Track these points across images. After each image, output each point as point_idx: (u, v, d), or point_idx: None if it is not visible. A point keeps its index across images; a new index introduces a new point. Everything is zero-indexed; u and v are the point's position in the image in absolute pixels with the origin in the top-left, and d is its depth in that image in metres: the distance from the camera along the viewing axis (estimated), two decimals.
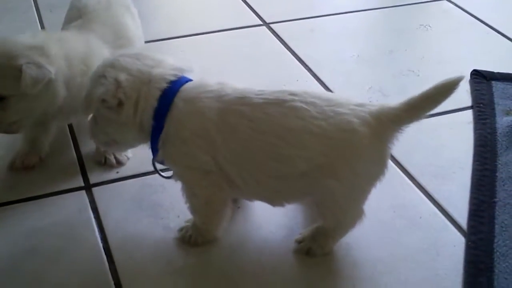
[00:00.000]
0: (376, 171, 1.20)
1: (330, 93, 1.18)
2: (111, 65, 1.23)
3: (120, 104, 1.20)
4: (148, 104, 1.21)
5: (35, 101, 1.39)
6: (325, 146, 1.14)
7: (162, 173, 1.32)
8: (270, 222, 1.36)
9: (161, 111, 1.20)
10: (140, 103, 1.21)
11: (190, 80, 1.26)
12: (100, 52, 1.50)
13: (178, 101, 1.20)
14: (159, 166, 1.31)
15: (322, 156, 1.15)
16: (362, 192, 1.22)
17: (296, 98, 1.17)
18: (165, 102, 1.20)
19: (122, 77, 1.20)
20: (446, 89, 1.15)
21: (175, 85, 1.22)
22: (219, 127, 1.18)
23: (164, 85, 1.21)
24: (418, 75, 1.90)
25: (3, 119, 1.39)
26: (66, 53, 1.44)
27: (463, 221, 1.38)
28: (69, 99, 1.44)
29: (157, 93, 1.21)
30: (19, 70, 1.34)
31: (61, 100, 1.42)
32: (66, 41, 1.48)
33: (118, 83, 1.20)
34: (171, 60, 1.27)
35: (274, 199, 1.25)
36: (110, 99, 1.20)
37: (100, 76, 1.22)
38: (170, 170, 1.30)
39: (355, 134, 1.14)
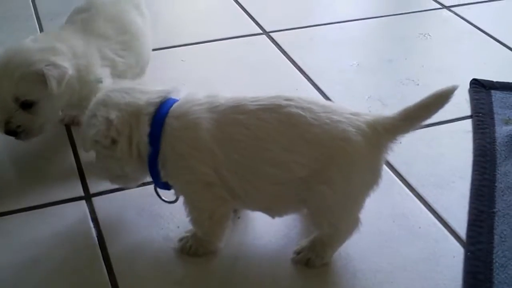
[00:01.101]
0: (369, 180, 1.21)
1: (325, 100, 1.19)
2: (102, 102, 1.25)
3: (114, 141, 1.22)
4: (142, 133, 1.22)
5: (59, 99, 1.47)
6: (319, 154, 1.15)
7: (164, 198, 1.36)
8: (269, 232, 1.36)
9: (154, 133, 1.22)
10: (133, 135, 1.23)
11: (178, 100, 1.27)
12: (100, 52, 1.57)
13: (169, 120, 1.21)
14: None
15: (317, 162, 1.15)
16: (356, 200, 1.23)
17: (291, 103, 1.18)
18: (157, 124, 1.22)
19: (113, 114, 1.22)
20: (441, 98, 1.16)
21: (164, 107, 1.23)
22: (216, 137, 1.18)
23: (152, 109, 1.23)
24: (418, 84, 1.91)
25: (35, 123, 1.46)
26: (71, 50, 1.50)
27: (462, 231, 1.38)
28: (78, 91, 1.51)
29: (147, 119, 1.22)
30: (41, 74, 1.41)
31: (76, 93, 1.51)
32: (67, 39, 1.53)
33: (109, 122, 1.21)
34: (159, 87, 1.29)
35: (273, 208, 1.26)
36: (102, 139, 1.22)
37: (92, 116, 1.24)
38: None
39: (349, 143, 1.15)
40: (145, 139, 1.22)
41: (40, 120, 1.47)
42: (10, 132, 1.46)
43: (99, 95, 1.29)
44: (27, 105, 1.44)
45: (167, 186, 1.29)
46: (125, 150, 1.23)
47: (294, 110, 1.17)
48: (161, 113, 1.23)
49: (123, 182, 1.36)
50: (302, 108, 1.17)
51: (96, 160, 1.30)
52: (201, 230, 1.28)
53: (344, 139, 1.15)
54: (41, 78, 1.41)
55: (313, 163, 1.16)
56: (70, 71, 1.45)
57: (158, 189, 1.35)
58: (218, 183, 1.20)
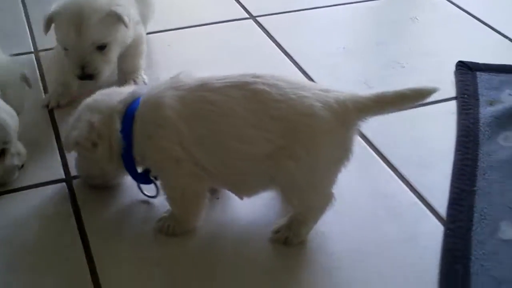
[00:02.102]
0: (337, 156, 1.21)
1: (295, 77, 1.19)
2: (88, 107, 1.31)
3: (95, 144, 1.26)
4: (115, 131, 1.25)
5: (123, 38, 1.63)
6: (284, 129, 1.16)
7: (147, 193, 1.38)
8: (248, 212, 1.36)
9: (126, 128, 1.25)
10: (112, 137, 1.26)
11: None
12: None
13: (137, 111, 1.24)
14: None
15: (282, 138, 1.16)
16: (324, 176, 1.22)
17: (258, 80, 1.19)
18: (127, 119, 1.25)
19: (95, 118, 1.27)
20: (420, 94, 1.18)
21: (135, 103, 1.26)
22: (182, 114, 1.19)
23: (122, 107, 1.27)
24: (404, 67, 1.90)
25: (107, 64, 1.61)
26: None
27: (443, 210, 1.37)
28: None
29: (118, 117, 1.26)
30: (114, 15, 1.56)
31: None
32: None
33: (91, 126, 1.26)
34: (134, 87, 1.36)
35: (242, 185, 1.26)
36: (84, 142, 1.27)
37: (76, 120, 1.30)
38: None
39: (315, 118, 1.15)
40: (118, 136, 1.25)
41: (111, 61, 1.62)
42: (87, 76, 1.58)
43: (87, 100, 1.34)
44: (100, 48, 1.57)
45: (147, 181, 1.32)
46: (105, 152, 1.27)
47: (260, 86, 1.18)
48: (131, 108, 1.26)
49: (103, 181, 1.39)
50: (269, 85, 1.18)
51: (78, 160, 1.37)
52: (176, 208, 1.29)
53: (309, 114, 1.15)
54: (113, 20, 1.57)
55: (279, 138, 1.16)
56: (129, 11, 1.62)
57: (141, 185, 1.37)
58: (187, 159, 1.20)
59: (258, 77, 1.20)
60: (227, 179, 1.25)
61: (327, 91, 1.20)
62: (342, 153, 1.20)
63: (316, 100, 1.16)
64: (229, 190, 1.31)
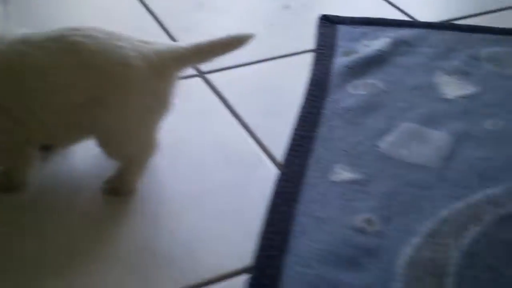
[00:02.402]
0: (153, 106, 1.21)
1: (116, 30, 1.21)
2: None
3: None
4: None
5: None
6: (98, 79, 1.15)
7: None
8: (82, 164, 1.34)
9: None
10: None
11: None
12: None
13: None
14: None
15: (95, 88, 1.15)
16: (138, 126, 1.22)
17: (76, 33, 1.17)
18: None
19: None
20: (237, 41, 1.21)
21: None
22: None
23: None
24: (272, 24, 1.89)
25: None
26: None
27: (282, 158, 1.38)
28: None
29: None
30: None
31: None
32: None
33: None
34: None
35: (57, 138, 1.25)
36: None
37: None
38: None
39: (129, 68, 1.15)
40: None
41: None
42: None
43: None
44: None
45: None
46: None
47: (77, 38, 1.16)
48: None
49: None
50: (85, 36, 1.16)
51: None
52: None
53: (123, 64, 1.15)
54: None
55: (92, 88, 1.15)
56: None
57: None
58: (1, 114, 1.17)
59: (76, 29, 1.18)
60: (42, 131, 1.22)
61: (146, 42, 1.20)
62: (158, 103, 1.21)
63: (132, 51, 1.16)
64: (47, 142, 1.29)
